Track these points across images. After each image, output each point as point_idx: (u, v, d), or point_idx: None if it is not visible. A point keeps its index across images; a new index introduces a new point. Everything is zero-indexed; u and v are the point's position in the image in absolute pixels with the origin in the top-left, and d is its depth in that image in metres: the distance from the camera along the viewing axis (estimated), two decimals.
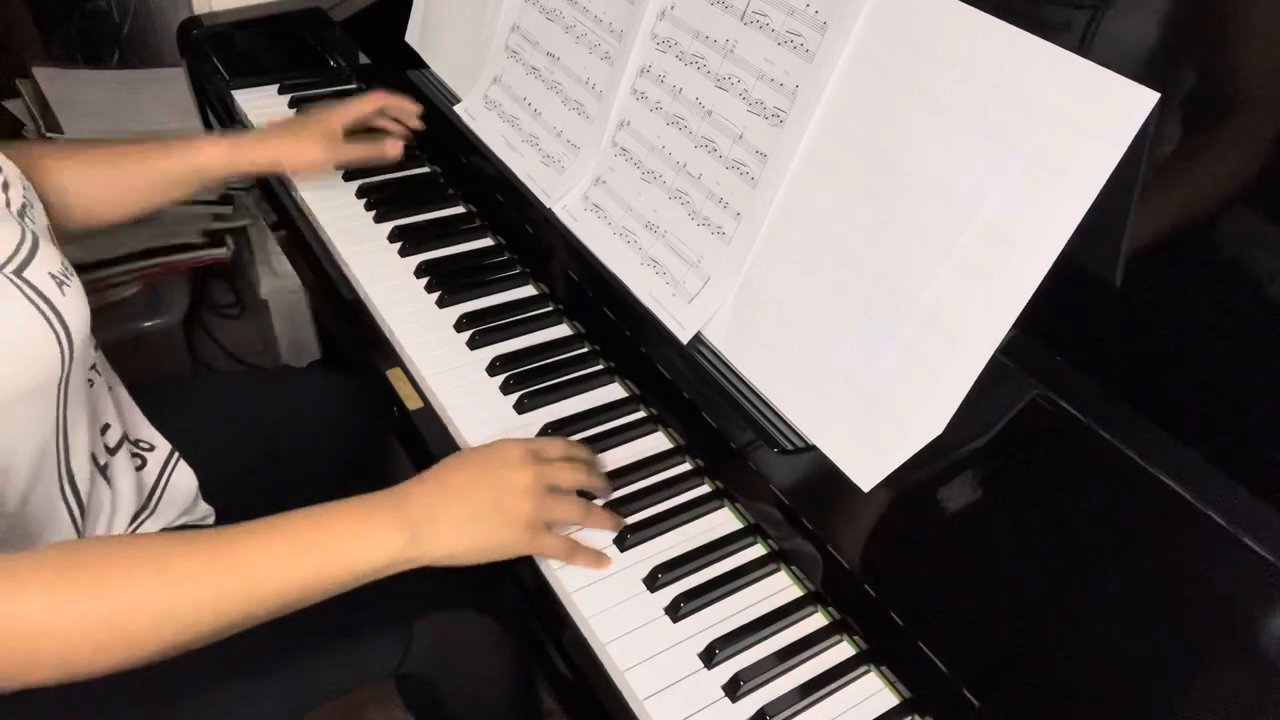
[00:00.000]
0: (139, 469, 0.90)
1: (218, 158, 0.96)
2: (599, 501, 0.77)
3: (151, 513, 0.90)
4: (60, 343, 0.69)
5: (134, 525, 0.87)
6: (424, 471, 0.71)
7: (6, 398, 0.67)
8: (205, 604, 0.61)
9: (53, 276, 0.69)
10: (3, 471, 0.70)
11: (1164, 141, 0.62)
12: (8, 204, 0.72)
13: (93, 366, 0.82)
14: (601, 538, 0.75)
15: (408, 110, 1.10)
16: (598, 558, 0.73)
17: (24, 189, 0.76)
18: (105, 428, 0.84)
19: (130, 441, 0.90)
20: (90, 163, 0.90)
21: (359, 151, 1.02)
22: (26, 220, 0.72)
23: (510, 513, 0.69)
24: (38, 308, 0.67)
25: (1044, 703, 0.61)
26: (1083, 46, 0.63)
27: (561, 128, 1.00)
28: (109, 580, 0.59)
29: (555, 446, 0.75)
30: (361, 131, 1.08)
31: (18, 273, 0.67)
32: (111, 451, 0.85)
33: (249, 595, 0.62)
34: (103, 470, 0.83)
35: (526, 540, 0.70)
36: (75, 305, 0.70)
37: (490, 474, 0.70)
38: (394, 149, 1.01)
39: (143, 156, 0.93)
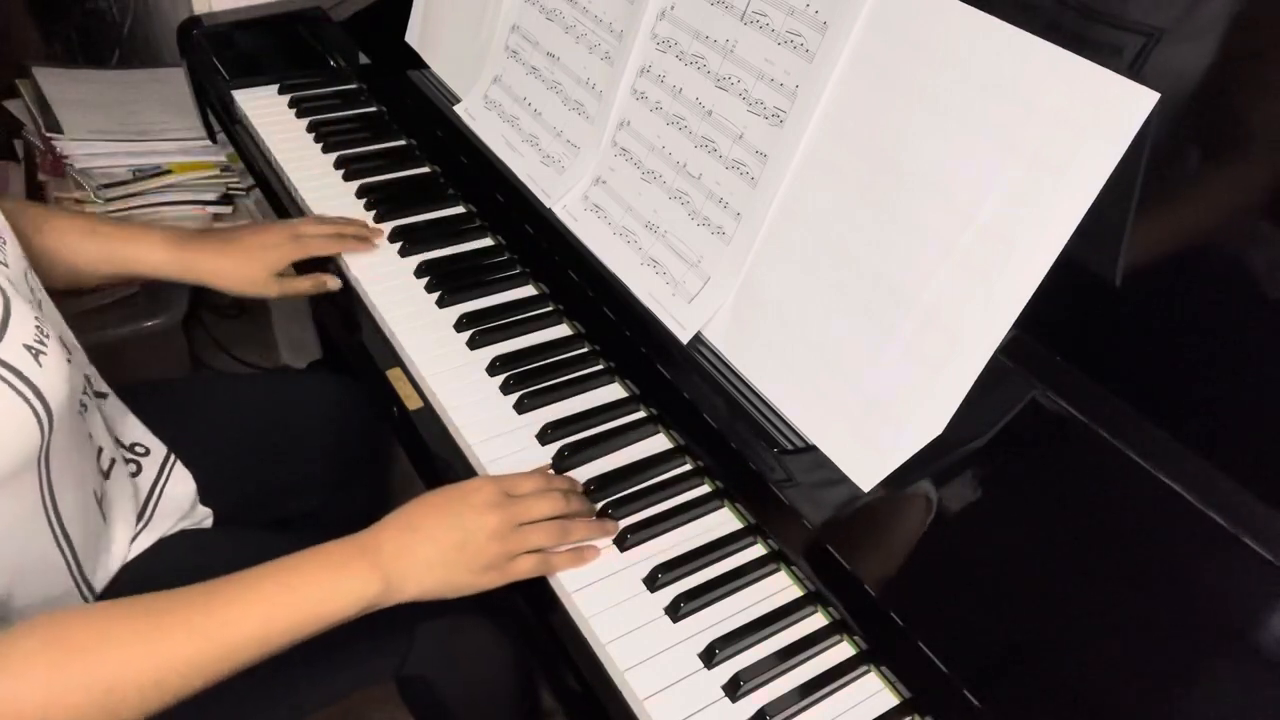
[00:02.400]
0: (134, 475, 0.89)
1: (160, 262, 0.96)
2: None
3: (147, 523, 0.89)
4: (40, 419, 0.67)
5: (133, 540, 0.87)
6: (395, 512, 0.73)
7: None
8: (191, 671, 0.63)
9: (27, 348, 0.67)
10: None
11: (1164, 141, 0.62)
12: None
13: (84, 391, 0.80)
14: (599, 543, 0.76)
15: (355, 234, 1.04)
16: (576, 557, 0.74)
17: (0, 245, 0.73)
18: (99, 451, 0.83)
19: (125, 447, 0.89)
20: (73, 231, 0.93)
21: (302, 285, 1.00)
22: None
23: (474, 555, 0.71)
24: (14, 388, 0.65)
25: (1044, 703, 0.61)
26: (1083, 47, 0.63)
27: (561, 128, 1.00)
28: (99, 665, 0.61)
29: (528, 481, 0.76)
30: None
31: None
32: (106, 475, 0.84)
33: (230, 656, 0.65)
34: (99, 502, 0.82)
35: (494, 578, 0.72)
36: (53, 375, 0.68)
37: (457, 516, 0.72)
38: (333, 283, 1.00)
39: (100, 240, 0.95)
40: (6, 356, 0.65)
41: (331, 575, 0.68)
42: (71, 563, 0.78)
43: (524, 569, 0.73)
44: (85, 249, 0.93)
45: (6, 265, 0.72)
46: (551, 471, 0.80)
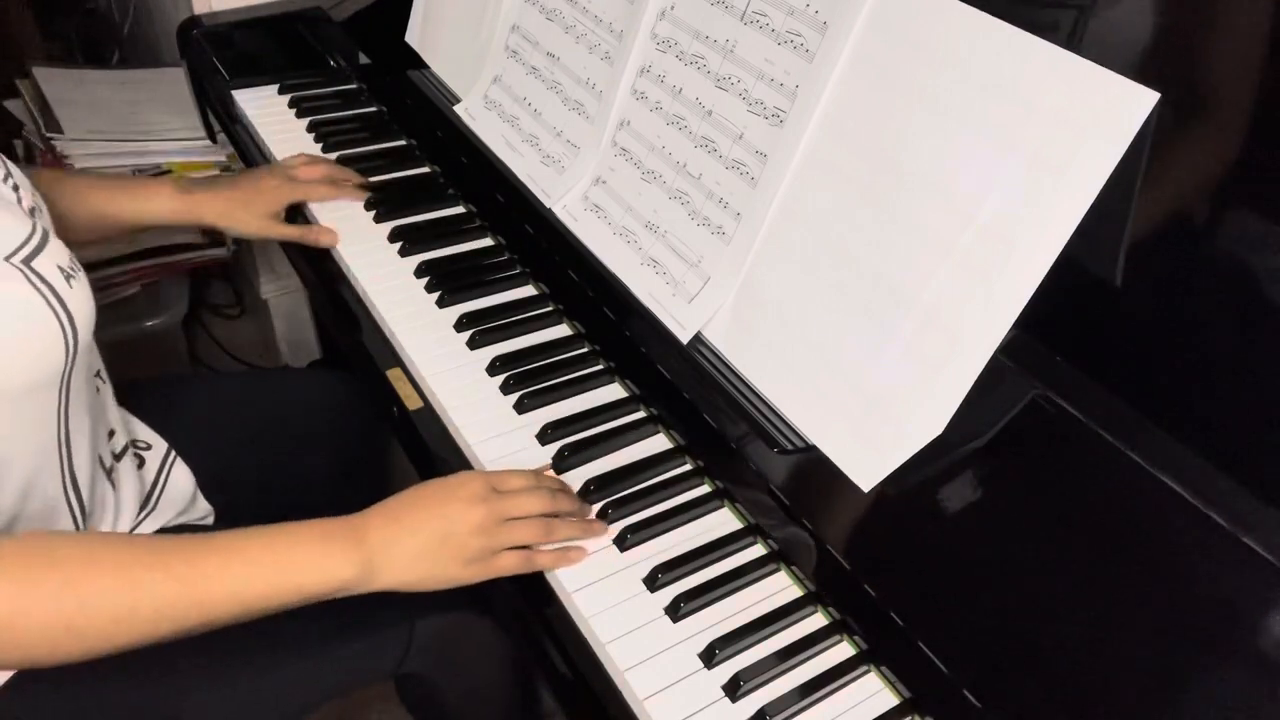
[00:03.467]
0: (139, 468, 0.90)
1: (167, 210, 1.01)
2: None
3: (152, 511, 0.90)
4: (65, 334, 0.70)
5: (135, 526, 0.87)
6: (383, 501, 0.73)
7: (11, 388, 0.68)
8: (163, 613, 0.64)
9: (60, 269, 0.71)
10: (3, 463, 0.71)
11: (1164, 141, 0.62)
12: (19, 201, 0.73)
13: (97, 373, 0.83)
14: (594, 543, 0.75)
15: (347, 178, 1.10)
16: (560, 556, 0.74)
17: (34, 195, 0.78)
18: (110, 433, 0.84)
19: (131, 443, 0.90)
20: (78, 191, 0.97)
21: (294, 233, 1.05)
22: (37, 219, 0.74)
23: (457, 548, 0.71)
24: (44, 297, 0.68)
25: (1044, 703, 0.61)
26: (1083, 47, 0.63)
27: (561, 128, 1.00)
28: (74, 584, 0.62)
29: (516, 478, 0.76)
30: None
31: (26, 262, 0.68)
32: (117, 457, 0.85)
33: (204, 608, 0.65)
34: (108, 473, 0.83)
35: (476, 571, 0.72)
36: (81, 298, 0.72)
37: (442, 510, 0.72)
38: (328, 237, 1.03)
39: (109, 194, 0.99)
40: (42, 269, 0.69)
41: (315, 550, 0.69)
42: (78, 517, 0.78)
43: (507, 565, 0.73)
44: (95, 204, 0.97)
45: (48, 225, 0.76)
46: (549, 470, 0.80)
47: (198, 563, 0.65)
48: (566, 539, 0.74)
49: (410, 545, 0.71)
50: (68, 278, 0.71)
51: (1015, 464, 0.68)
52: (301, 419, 1.07)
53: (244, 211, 1.03)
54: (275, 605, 0.68)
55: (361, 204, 1.09)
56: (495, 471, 0.77)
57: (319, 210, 1.07)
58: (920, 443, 0.68)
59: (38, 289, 0.68)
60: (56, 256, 0.71)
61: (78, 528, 0.79)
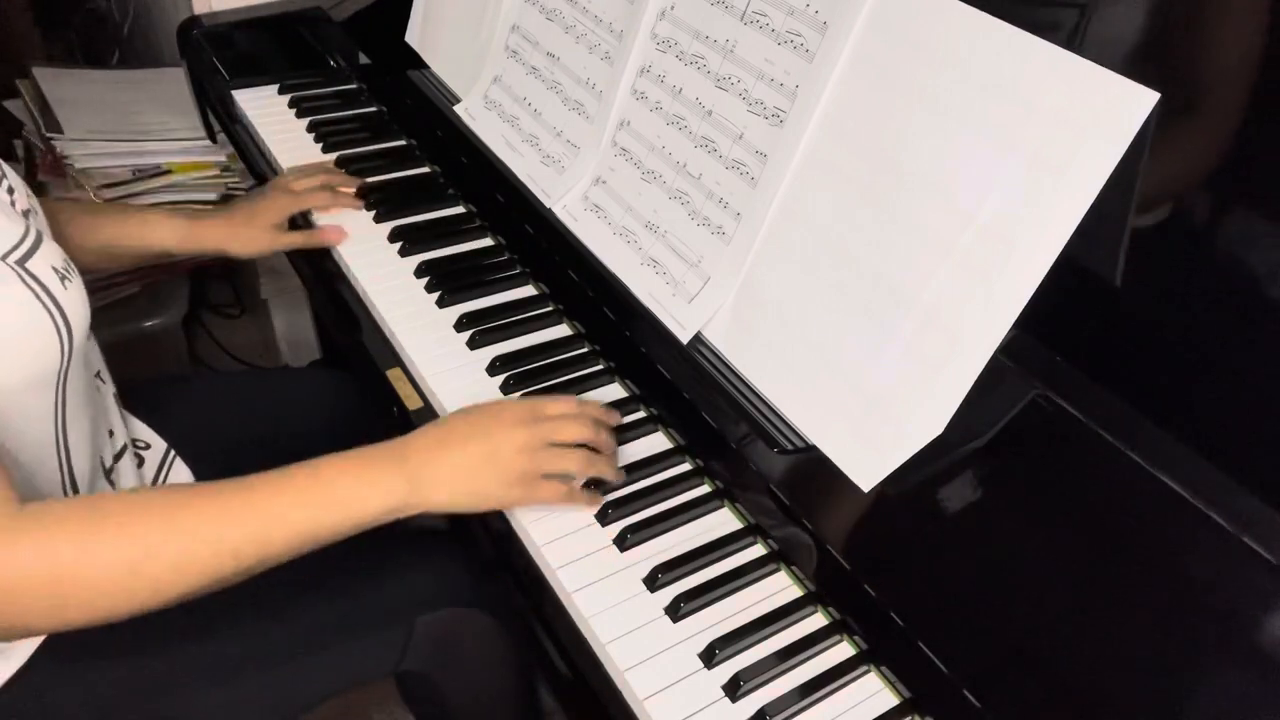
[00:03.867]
0: (138, 467, 0.90)
1: (170, 240, 1.02)
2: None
3: None
4: (60, 334, 0.70)
5: None
6: (425, 426, 0.75)
7: (6, 386, 0.68)
8: (222, 550, 0.65)
9: (55, 270, 0.71)
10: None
11: (1164, 141, 0.62)
12: (13, 204, 0.74)
13: (98, 373, 0.83)
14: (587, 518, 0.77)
15: (343, 185, 1.09)
16: (591, 499, 0.76)
17: (29, 197, 0.78)
18: (110, 433, 0.84)
19: (131, 442, 0.90)
20: (88, 224, 0.98)
21: (299, 239, 1.05)
22: (31, 220, 0.74)
23: (503, 467, 0.73)
24: (39, 298, 0.69)
25: (1044, 703, 0.61)
26: (1082, 47, 0.63)
27: (561, 128, 1.00)
28: (130, 530, 0.63)
29: (558, 405, 0.78)
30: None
31: (20, 263, 0.69)
32: (116, 457, 0.85)
33: (260, 541, 0.66)
34: (108, 474, 0.83)
35: (520, 494, 0.74)
36: (76, 299, 0.72)
37: (487, 429, 0.74)
38: (335, 234, 1.03)
39: (113, 224, 1.00)
40: (36, 271, 0.69)
41: (360, 471, 0.70)
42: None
43: (548, 494, 0.74)
44: (98, 234, 0.98)
45: (42, 227, 0.76)
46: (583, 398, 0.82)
47: (246, 498, 0.67)
48: (603, 474, 0.76)
49: (455, 462, 0.72)
50: (62, 279, 0.71)
51: (1015, 464, 0.68)
52: (301, 419, 1.07)
53: (247, 230, 1.04)
54: (330, 533, 0.69)
55: (362, 205, 1.08)
56: (537, 398, 0.79)
57: (319, 212, 1.08)
58: (920, 443, 0.68)
59: (32, 289, 0.68)
60: (50, 258, 0.71)
61: None
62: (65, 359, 0.71)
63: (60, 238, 0.86)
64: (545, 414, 0.76)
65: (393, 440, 0.73)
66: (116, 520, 0.63)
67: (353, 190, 1.08)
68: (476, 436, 0.73)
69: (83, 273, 0.76)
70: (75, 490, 0.78)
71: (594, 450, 0.77)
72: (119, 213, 1.02)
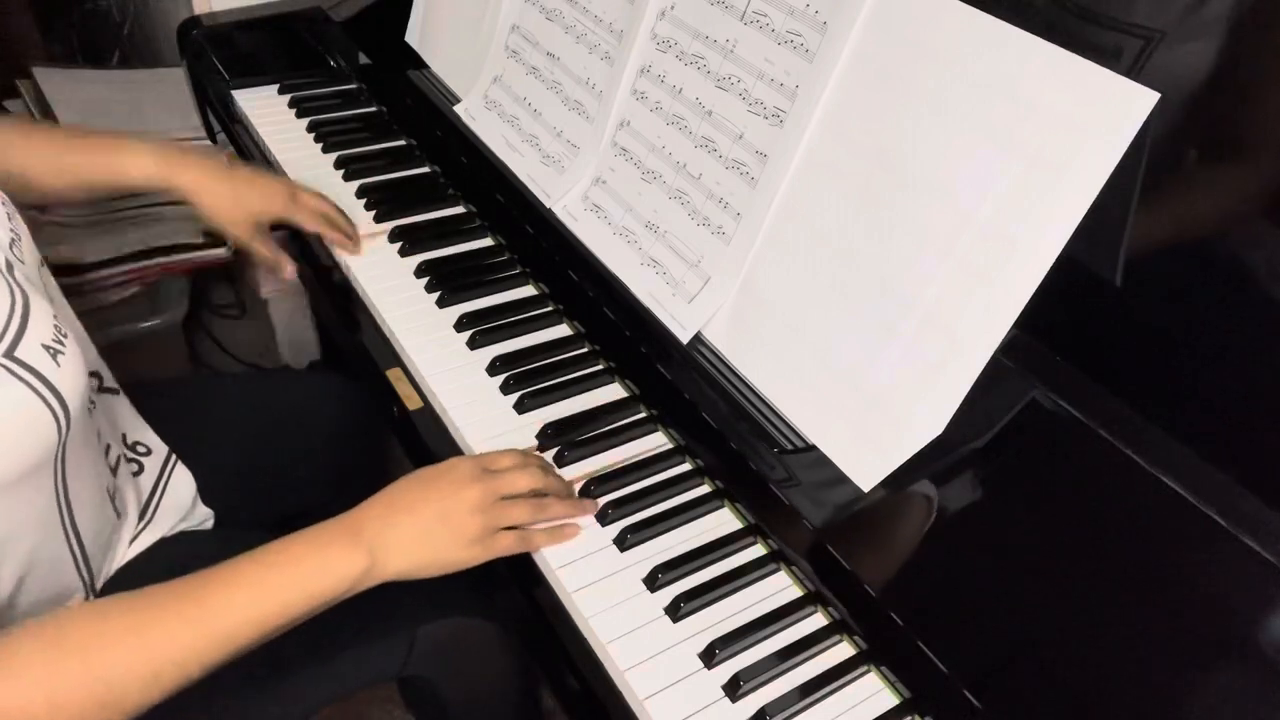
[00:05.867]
0: (136, 475, 0.89)
1: (144, 170, 0.95)
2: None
3: (149, 522, 0.89)
4: (57, 418, 0.67)
5: (133, 540, 0.87)
6: (377, 494, 0.73)
7: (4, 479, 0.66)
8: (187, 660, 0.64)
9: (45, 348, 0.67)
10: (6, 541, 0.70)
11: (1164, 141, 0.62)
12: None
13: (95, 388, 0.81)
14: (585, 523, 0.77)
15: (343, 228, 1.04)
16: (556, 534, 0.75)
17: (11, 223, 0.73)
18: (107, 449, 0.84)
19: (127, 447, 0.89)
20: (48, 147, 0.92)
21: (265, 253, 1.01)
22: (15, 272, 0.69)
23: (456, 529, 0.72)
24: (32, 388, 0.65)
25: (1044, 703, 0.61)
26: (1083, 47, 0.63)
27: (561, 128, 1.00)
28: (94, 664, 0.61)
29: (505, 458, 0.77)
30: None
31: (8, 354, 0.64)
32: (114, 471, 0.85)
33: (223, 642, 0.65)
34: (113, 499, 0.82)
35: (477, 553, 0.73)
36: (70, 373, 0.68)
37: (438, 491, 0.73)
38: (290, 272, 1.01)
39: (83, 150, 0.94)
40: (26, 357, 0.65)
41: (316, 554, 0.69)
42: (80, 560, 0.78)
43: (504, 545, 0.73)
44: (69, 165, 0.92)
45: (23, 262, 0.72)
46: (531, 448, 0.81)
47: (206, 600, 0.65)
48: (559, 517, 0.76)
49: (410, 529, 0.71)
50: (54, 355, 0.67)
51: (1015, 464, 0.68)
52: (301, 419, 1.07)
53: (225, 203, 0.97)
54: (290, 618, 0.67)
55: (361, 203, 1.09)
56: (484, 454, 0.78)
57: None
58: (920, 443, 0.68)
59: (25, 381, 0.64)
60: (40, 334, 0.67)
61: (79, 568, 0.79)
62: (63, 437, 0.69)
63: (22, 172, 0.84)
64: (494, 468, 0.75)
65: (343, 515, 0.72)
66: (80, 656, 0.61)
67: (356, 239, 1.04)
68: (429, 500, 0.72)
69: (56, 203, 0.72)
70: (79, 537, 0.77)
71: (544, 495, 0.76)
72: (86, 138, 0.95)
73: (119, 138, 0.96)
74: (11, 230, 0.73)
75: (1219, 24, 0.61)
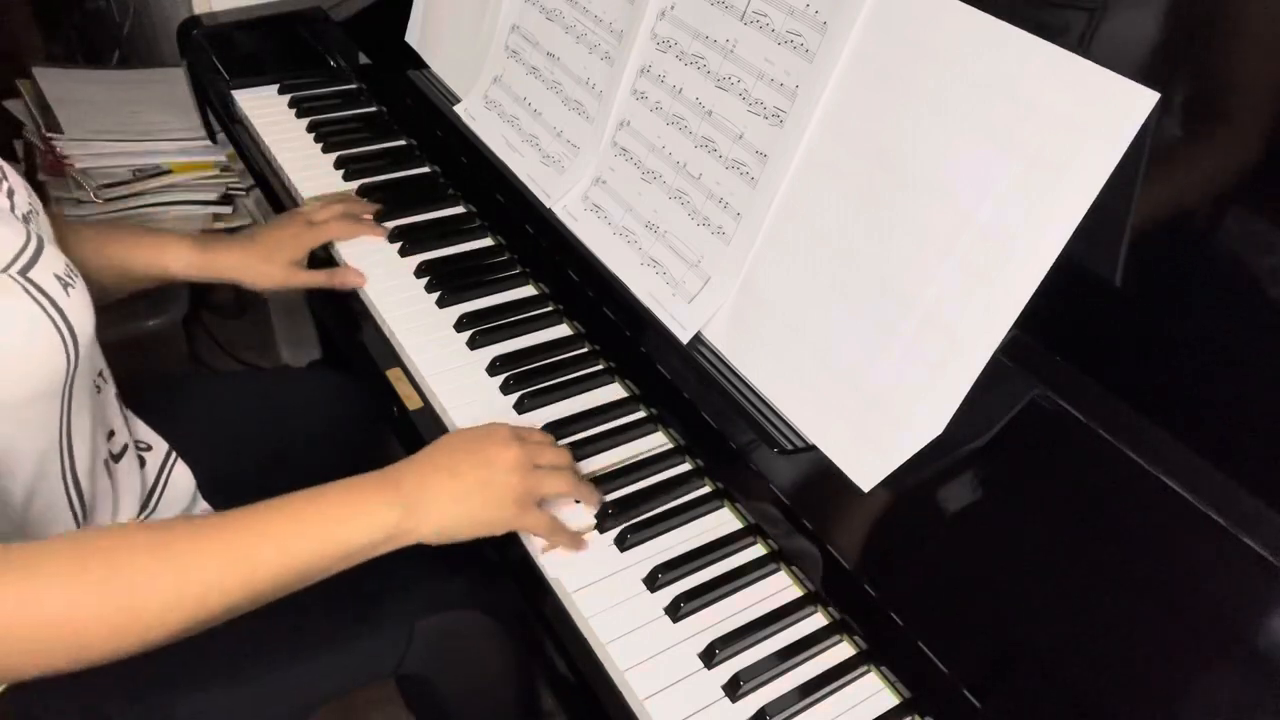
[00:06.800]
0: (140, 468, 0.90)
1: (183, 264, 0.99)
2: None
3: (152, 511, 0.90)
4: (66, 344, 0.69)
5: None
6: (417, 453, 0.73)
7: (13, 398, 0.67)
8: (211, 587, 0.63)
9: (57, 278, 0.70)
10: (8, 472, 0.71)
11: (1164, 141, 0.62)
12: (13, 208, 0.72)
13: (100, 373, 0.82)
14: (584, 521, 0.77)
15: (356, 211, 1.07)
16: (575, 539, 0.75)
17: (30, 198, 0.76)
18: (110, 434, 0.84)
19: (134, 442, 0.90)
20: (96, 243, 0.95)
21: (320, 278, 1.01)
22: (31, 225, 0.73)
23: (498, 488, 0.71)
24: (43, 308, 0.68)
25: (1044, 703, 0.61)
26: (1083, 47, 0.63)
27: (561, 128, 1.00)
28: (119, 569, 0.61)
29: (536, 433, 0.78)
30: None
31: (23, 273, 0.67)
32: (116, 458, 0.85)
33: (251, 577, 0.64)
34: (109, 471, 0.83)
35: (514, 515, 0.72)
36: (80, 306, 0.71)
37: (478, 452, 0.72)
38: (355, 278, 1.00)
39: (126, 244, 0.97)
40: (38, 279, 0.68)
41: (351, 500, 0.68)
42: (77, 512, 0.79)
43: (536, 521, 0.73)
44: (108, 256, 0.95)
45: (44, 232, 0.75)
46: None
47: (237, 530, 0.65)
48: (587, 496, 0.76)
49: (450, 487, 0.70)
50: (65, 286, 0.70)
51: (1015, 464, 0.68)
52: (301, 419, 1.07)
53: (264, 264, 1.00)
54: (320, 566, 0.67)
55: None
56: (516, 426, 0.78)
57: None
58: (920, 443, 0.68)
59: (36, 300, 0.67)
60: (53, 265, 0.70)
61: (78, 523, 0.79)
62: (71, 367, 0.70)
63: (82, 265, 0.86)
64: (530, 437, 0.76)
65: (385, 469, 0.71)
66: (104, 562, 0.61)
67: (372, 216, 1.06)
68: (468, 460, 0.72)
69: (97, 293, 0.74)
70: (78, 488, 0.78)
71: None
72: (129, 233, 1.00)
73: (160, 233, 1.01)
74: (30, 204, 0.76)
75: (1220, 22, 0.61)
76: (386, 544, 0.69)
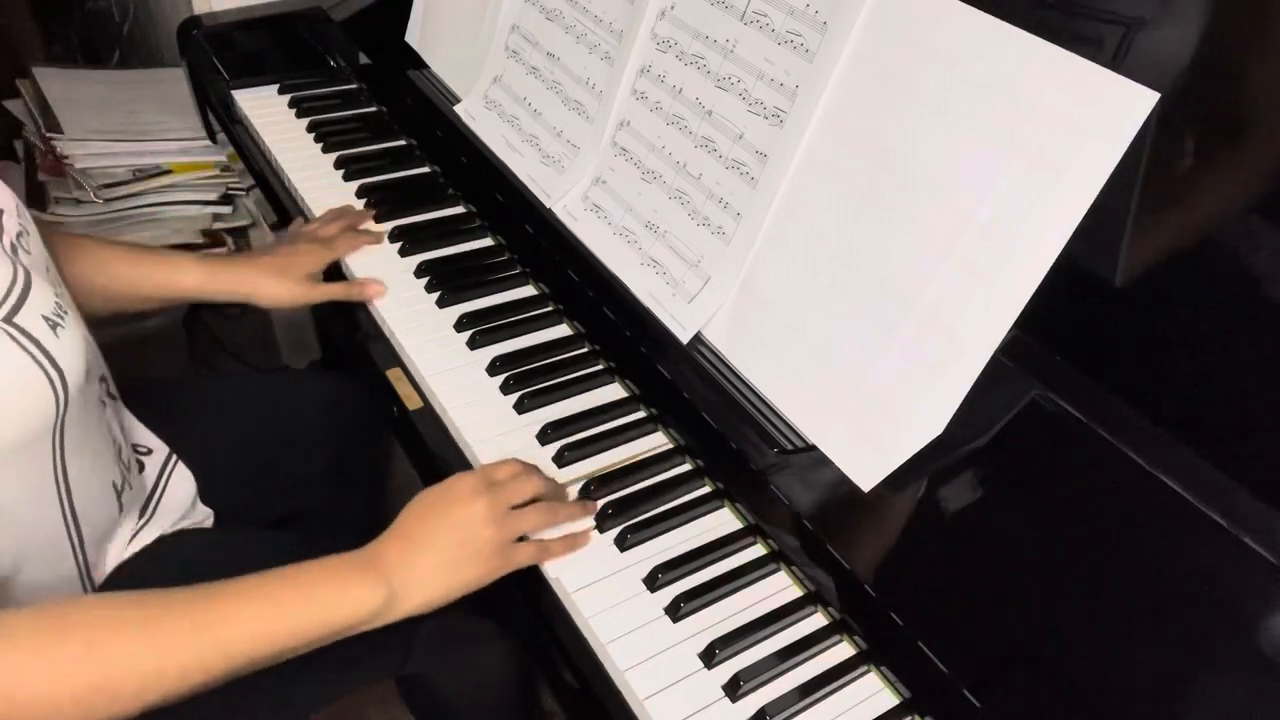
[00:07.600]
0: (139, 472, 0.89)
1: (195, 283, 0.98)
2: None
3: (150, 519, 0.89)
4: (55, 388, 0.68)
5: (135, 534, 0.87)
6: (389, 528, 0.73)
7: (1, 446, 0.66)
8: (190, 666, 0.63)
9: (45, 319, 0.68)
10: (1, 513, 0.70)
11: (1164, 141, 0.62)
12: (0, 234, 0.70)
13: (106, 391, 0.81)
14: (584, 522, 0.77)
15: (354, 222, 1.06)
16: (570, 543, 0.75)
17: (20, 217, 0.74)
18: (119, 450, 0.84)
19: (130, 447, 0.90)
20: (101, 258, 0.94)
21: (338, 290, 1.00)
22: (19, 255, 0.70)
23: (474, 545, 0.72)
24: (31, 355, 0.66)
25: (1044, 703, 0.61)
26: (1083, 47, 0.63)
27: (561, 128, 1.00)
28: (97, 646, 0.61)
29: (504, 468, 0.77)
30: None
31: (8, 319, 0.65)
32: (128, 469, 0.85)
33: (230, 656, 0.64)
34: (118, 494, 0.82)
35: (499, 564, 0.73)
36: (69, 346, 0.69)
37: (447, 515, 0.72)
38: (373, 289, 0.99)
39: (133, 264, 0.96)
40: (25, 324, 0.66)
41: (335, 581, 0.69)
42: (77, 548, 0.78)
43: (524, 556, 0.73)
44: (120, 274, 0.94)
45: (29, 253, 0.73)
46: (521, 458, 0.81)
47: (218, 609, 0.65)
48: (569, 518, 0.76)
49: (429, 559, 0.71)
50: (54, 327, 0.68)
51: (1015, 464, 0.68)
52: (301, 419, 1.07)
53: (278, 280, 0.99)
54: (302, 643, 0.67)
55: (361, 203, 1.09)
56: (482, 466, 0.78)
57: (313, 203, 1.08)
58: (920, 443, 0.68)
59: (23, 346, 0.65)
60: (41, 305, 0.68)
61: (78, 559, 0.79)
62: (61, 411, 0.69)
63: (69, 275, 0.84)
64: (496, 478, 0.75)
65: (364, 548, 0.71)
66: (84, 637, 0.60)
67: (370, 223, 1.06)
68: (442, 524, 0.72)
69: (91, 318, 0.73)
70: (77, 524, 0.77)
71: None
72: (136, 251, 0.99)
73: (172, 252, 1.00)
74: (20, 224, 0.74)
75: (1219, 20, 0.61)
76: (372, 623, 0.70)
